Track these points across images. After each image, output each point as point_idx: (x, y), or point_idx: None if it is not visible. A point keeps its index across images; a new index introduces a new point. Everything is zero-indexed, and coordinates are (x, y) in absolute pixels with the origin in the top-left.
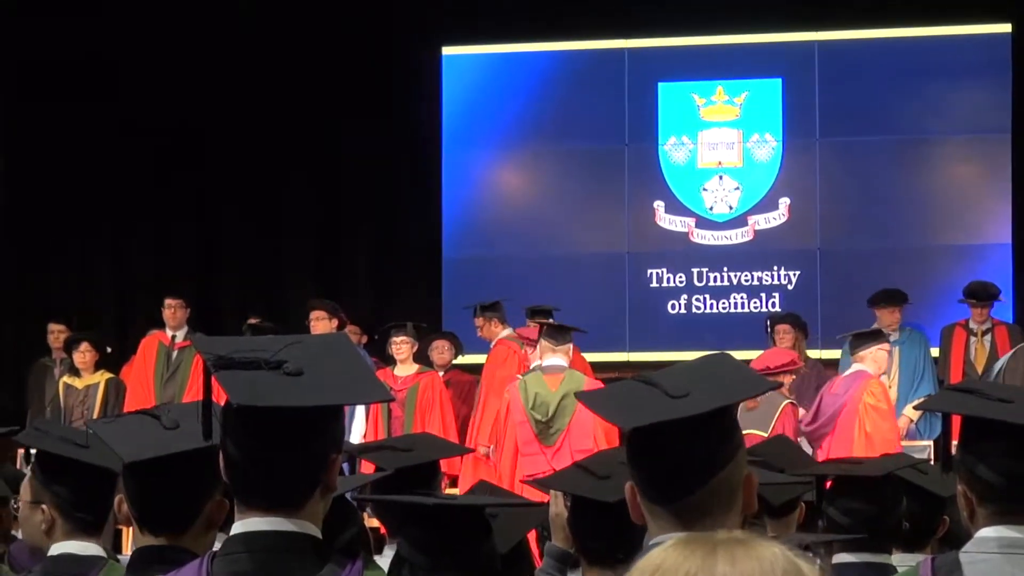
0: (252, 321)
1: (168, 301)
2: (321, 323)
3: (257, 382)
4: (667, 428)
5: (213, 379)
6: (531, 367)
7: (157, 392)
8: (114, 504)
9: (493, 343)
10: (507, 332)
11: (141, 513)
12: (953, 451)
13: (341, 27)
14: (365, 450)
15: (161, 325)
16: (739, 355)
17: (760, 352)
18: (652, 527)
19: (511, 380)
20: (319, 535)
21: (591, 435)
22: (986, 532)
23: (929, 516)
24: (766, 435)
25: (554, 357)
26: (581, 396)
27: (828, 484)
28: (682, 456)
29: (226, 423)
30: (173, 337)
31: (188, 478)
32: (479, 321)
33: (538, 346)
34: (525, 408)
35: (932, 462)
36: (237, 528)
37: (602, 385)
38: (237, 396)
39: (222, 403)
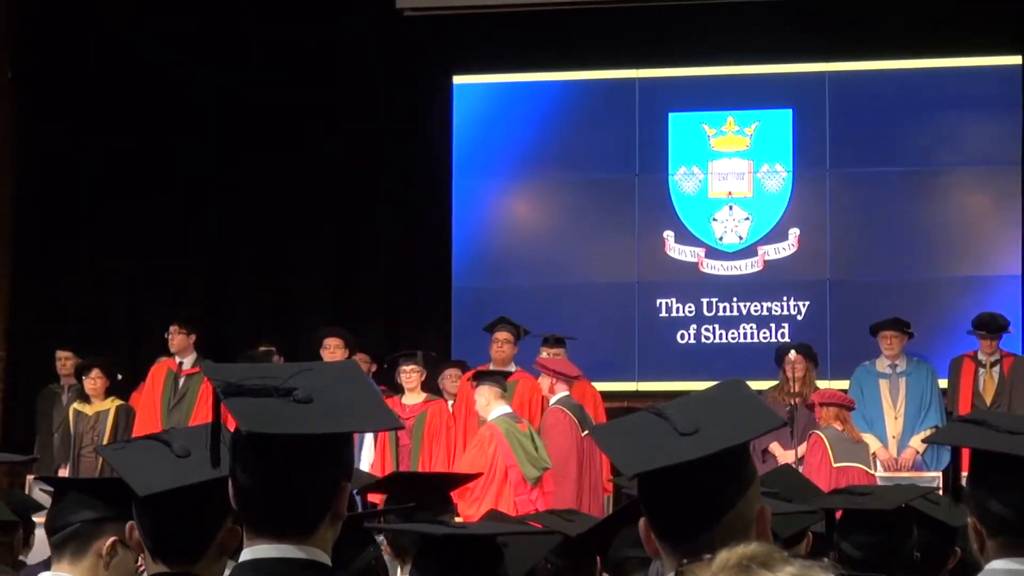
0: (262, 349)
1: (171, 327)
2: (338, 352)
3: (267, 409)
4: (676, 468)
5: (223, 406)
6: (552, 400)
7: (164, 419)
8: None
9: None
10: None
11: (155, 543)
12: (963, 482)
13: (352, 56)
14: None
15: (171, 352)
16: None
17: (769, 383)
18: (667, 562)
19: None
20: (328, 562)
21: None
22: (996, 564)
23: (940, 547)
24: None
25: (504, 404)
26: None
27: (838, 515)
28: (692, 496)
29: (236, 450)
30: (180, 364)
31: (201, 507)
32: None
33: (550, 379)
34: (514, 451)
35: (940, 493)
36: (246, 555)
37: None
38: (246, 423)
39: (232, 429)
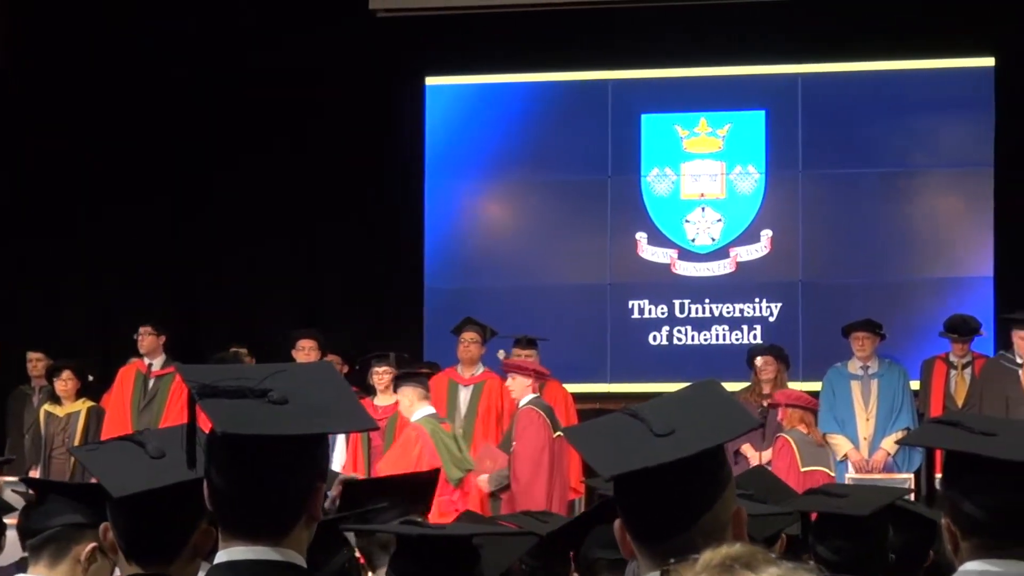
0: (232, 350)
1: (140, 329)
2: (312, 353)
3: (242, 410)
4: (653, 470)
5: (197, 407)
6: (523, 401)
7: (134, 420)
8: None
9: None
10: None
11: (129, 544)
12: (937, 484)
13: (325, 57)
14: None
15: (140, 353)
16: None
17: (741, 384)
18: (643, 564)
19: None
20: (304, 564)
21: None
22: (970, 566)
23: (919, 546)
24: None
25: (428, 405)
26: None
27: (813, 516)
28: (669, 498)
29: (211, 451)
30: (150, 366)
31: (176, 509)
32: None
33: (530, 380)
34: (439, 452)
35: (911, 497)
36: (221, 557)
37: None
38: (221, 424)
39: (207, 430)
